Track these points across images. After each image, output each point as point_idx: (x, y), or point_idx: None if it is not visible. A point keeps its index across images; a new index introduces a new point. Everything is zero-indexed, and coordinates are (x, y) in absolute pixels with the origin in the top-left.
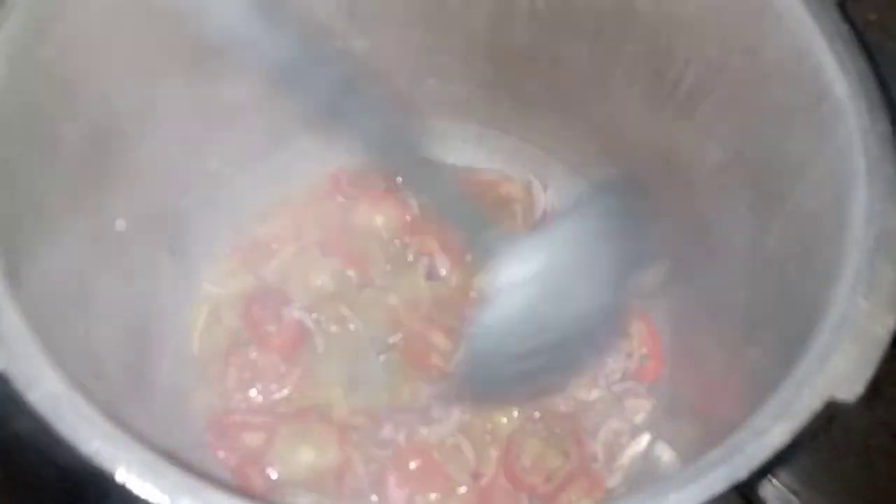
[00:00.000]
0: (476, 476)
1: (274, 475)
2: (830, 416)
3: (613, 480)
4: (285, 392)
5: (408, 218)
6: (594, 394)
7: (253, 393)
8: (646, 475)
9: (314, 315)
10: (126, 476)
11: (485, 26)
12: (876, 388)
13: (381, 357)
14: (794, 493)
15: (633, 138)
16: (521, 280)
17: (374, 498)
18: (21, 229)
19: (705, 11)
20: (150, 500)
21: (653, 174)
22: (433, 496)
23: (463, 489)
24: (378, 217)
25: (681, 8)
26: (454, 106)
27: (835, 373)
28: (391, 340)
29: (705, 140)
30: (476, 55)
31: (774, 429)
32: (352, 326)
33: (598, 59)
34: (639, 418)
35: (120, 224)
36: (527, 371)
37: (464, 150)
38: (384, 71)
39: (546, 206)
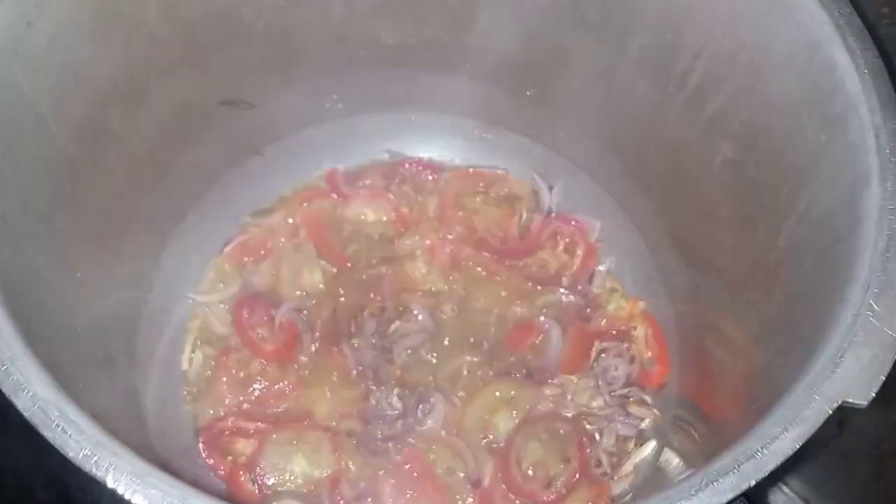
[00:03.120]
0: (475, 483)
1: (266, 483)
2: (842, 422)
3: (619, 488)
4: (278, 398)
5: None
6: (597, 400)
7: (245, 399)
8: (652, 483)
9: (305, 314)
10: (114, 483)
11: (486, 21)
12: (888, 392)
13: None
14: (805, 500)
15: (640, 135)
16: None
17: None
18: (8, 233)
19: (714, 3)
20: None
21: (661, 171)
22: (430, 503)
23: (461, 496)
24: (369, 214)
25: (689, 0)
26: (456, 102)
27: (846, 377)
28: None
29: (714, 136)
30: (477, 51)
31: (785, 435)
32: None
33: (602, 53)
34: (644, 424)
35: (108, 226)
36: None
37: (467, 147)
38: (382, 65)
39: (551, 205)
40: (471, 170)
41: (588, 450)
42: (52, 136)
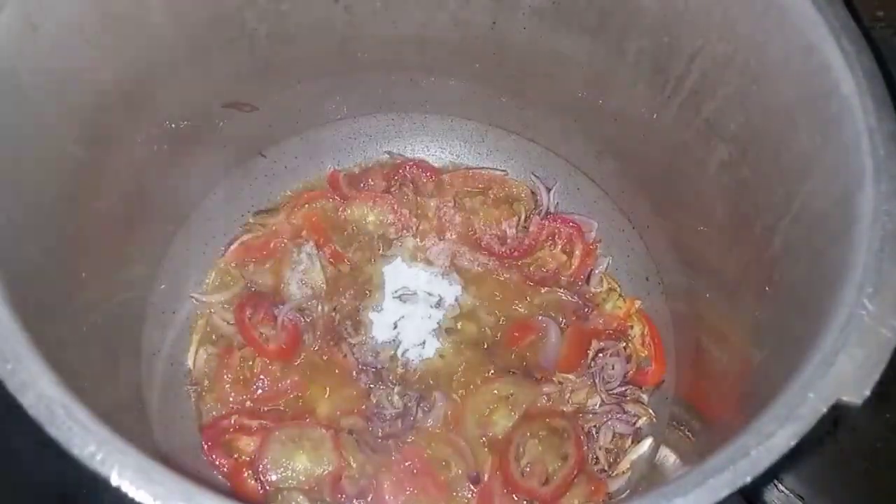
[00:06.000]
0: (474, 479)
1: (269, 480)
2: (836, 420)
3: (616, 485)
4: (280, 396)
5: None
6: (594, 398)
7: (248, 397)
8: (649, 480)
9: (308, 313)
10: (119, 480)
11: (485, 22)
12: (883, 391)
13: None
14: (800, 497)
15: (637, 136)
16: None
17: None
18: (14, 234)
19: (710, 7)
20: None
21: (657, 172)
22: (430, 500)
23: (460, 492)
24: (370, 215)
25: (685, 3)
26: (455, 104)
27: (841, 375)
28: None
29: (710, 137)
30: (476, 53)
31: (780, 432)
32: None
33: (600, 56)
34: (641, 422)
35: (112, 227)
36: None
37: (466, 148)
38: (383, 68)
39: (549, 206)
40: (470, 171)
41: (585, 447)
42: (57, 139)
